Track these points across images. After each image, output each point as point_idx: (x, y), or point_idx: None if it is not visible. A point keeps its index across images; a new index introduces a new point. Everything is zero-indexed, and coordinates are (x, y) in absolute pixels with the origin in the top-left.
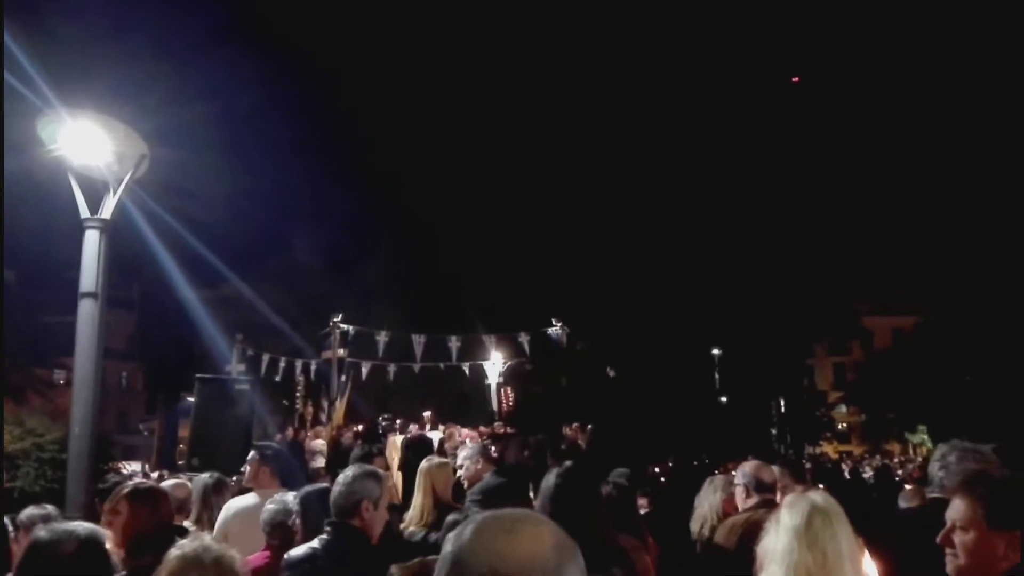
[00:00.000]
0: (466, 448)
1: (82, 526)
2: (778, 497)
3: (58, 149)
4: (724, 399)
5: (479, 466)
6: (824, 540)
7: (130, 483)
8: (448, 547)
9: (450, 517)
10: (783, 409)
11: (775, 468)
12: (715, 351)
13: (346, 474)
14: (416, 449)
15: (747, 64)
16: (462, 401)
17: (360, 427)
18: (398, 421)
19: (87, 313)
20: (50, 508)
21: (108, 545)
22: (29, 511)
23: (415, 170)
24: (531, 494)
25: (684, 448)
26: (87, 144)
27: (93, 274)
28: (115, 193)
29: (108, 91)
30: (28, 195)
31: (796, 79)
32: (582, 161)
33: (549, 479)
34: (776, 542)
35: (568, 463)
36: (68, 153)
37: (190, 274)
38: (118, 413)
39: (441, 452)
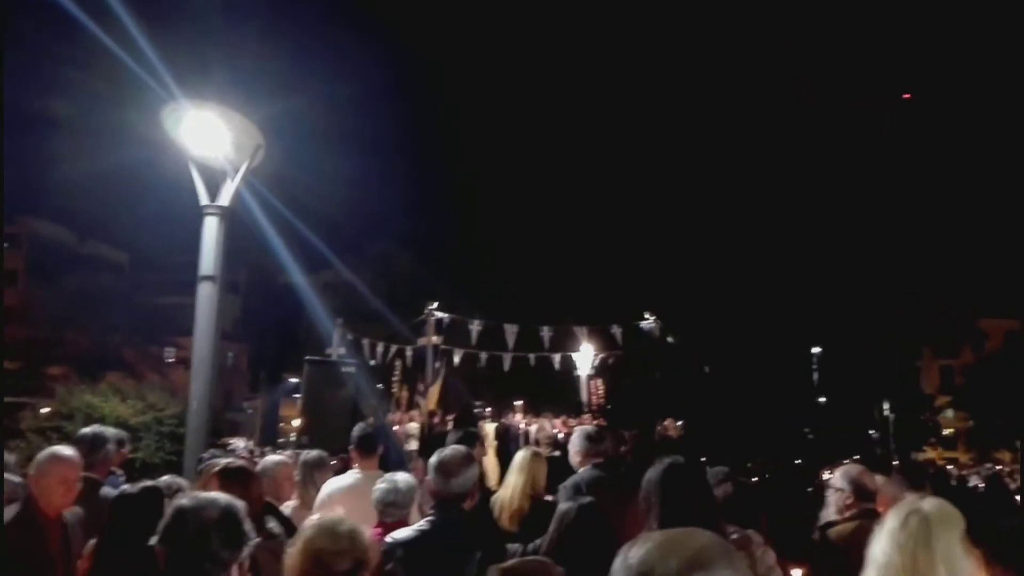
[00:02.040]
0: (572, 436)
1: (222, 496)
2: (881, 506)
3: (180, 139)
4: (822, 400)
5: (581, 457)
6: (916, 544)
7: (221, 461)
8: (617, 563)
9: (562, 507)
10: (885, 412)
11: (879, 477)
12: (815, 350)
13: (456, 458)
14: (506, 438)
15: (857, 77)
16: (551, 392)
17: (454, 414)
18: (488, 409)
19: (206, 295)
20: (181, 480)
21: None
22: (166, 479)
23: (514, 161)
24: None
25: (779, 449)
26: (207, 134)
27: (212, 258)
28: (233, 181)
29: (226, 82)
30: (142, 183)
31: (908, 95)
32: (680, 151)
33: (655, 472)
34: (875, 545)
35: (674, 457)
36: (189, 143)
37: (293, 260)
38: (224, 391)
39: (533, 441)
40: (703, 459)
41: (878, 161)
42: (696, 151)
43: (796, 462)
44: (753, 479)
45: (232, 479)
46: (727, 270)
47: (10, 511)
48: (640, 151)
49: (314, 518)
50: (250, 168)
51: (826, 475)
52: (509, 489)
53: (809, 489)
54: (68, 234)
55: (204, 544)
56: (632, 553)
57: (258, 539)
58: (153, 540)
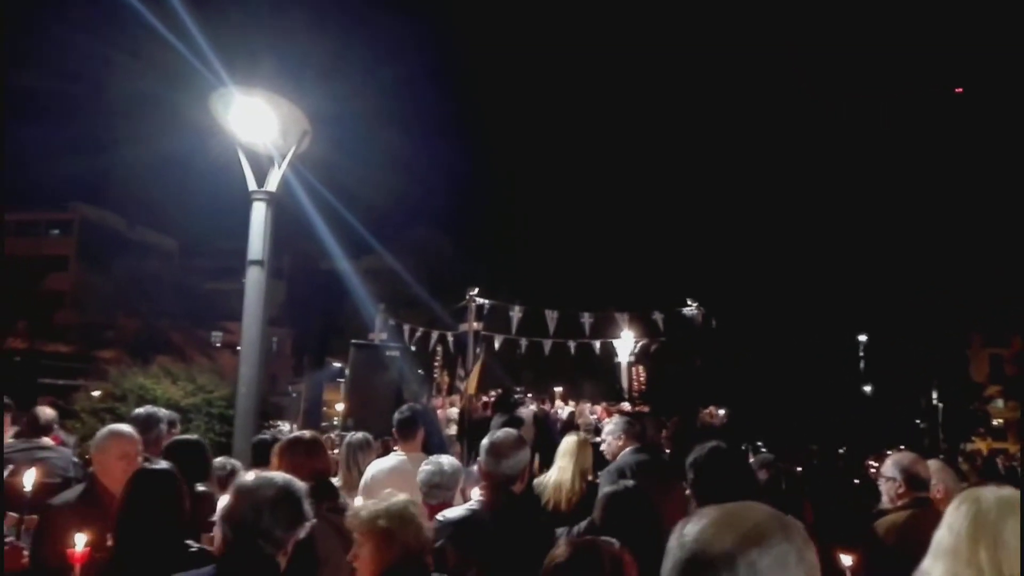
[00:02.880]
0: (610, 423)
1: (280, 475)
2: (935, 494)
3: (228, 125)
4: (868, 388)
5: (621, 442)
6: (978, 531)
7: (293, 433)
8: (671, 541)
9: (606, 490)
10: (934, 401)
11: (931, 463)
12: (861, 337)
13: (508, 441)
14: (544, 424)
15: (908, 72)
16: (591, 378)
17: (492, 395)
18: (528, 395)
19: (254, 280)
20: (235, 461)
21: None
22: (221, 460)
23: (556, 147)
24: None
25: (823, 438)
26: (255, 120)
27: (260, 243)
28: (280, 167)
29: (273, 69)
30: (191, 170)
31: (960, 90)
32: (723, 134)
33: (697, 456)
34: (938, 534)
35: (715, 441)
36: (237, 129)
37: (336, 245)
38: (269, 375)
39: (573, 427)
40: (746, 447)
41: (929, 145)
42: (739, 133)
43: (841, 451)
44: (797, 467)
45: (296, 451)
46: (771, 256)
47: (75, 491)
48: (682, 135)
49: (381, 498)
50: (296, 154)
51: (872, 464)
52: (558, 473)
53: (855, 479)
54: (118, 220)
55: (258, 523)
56: (688, 530)
57: (314, 520)
58: (215, 517)
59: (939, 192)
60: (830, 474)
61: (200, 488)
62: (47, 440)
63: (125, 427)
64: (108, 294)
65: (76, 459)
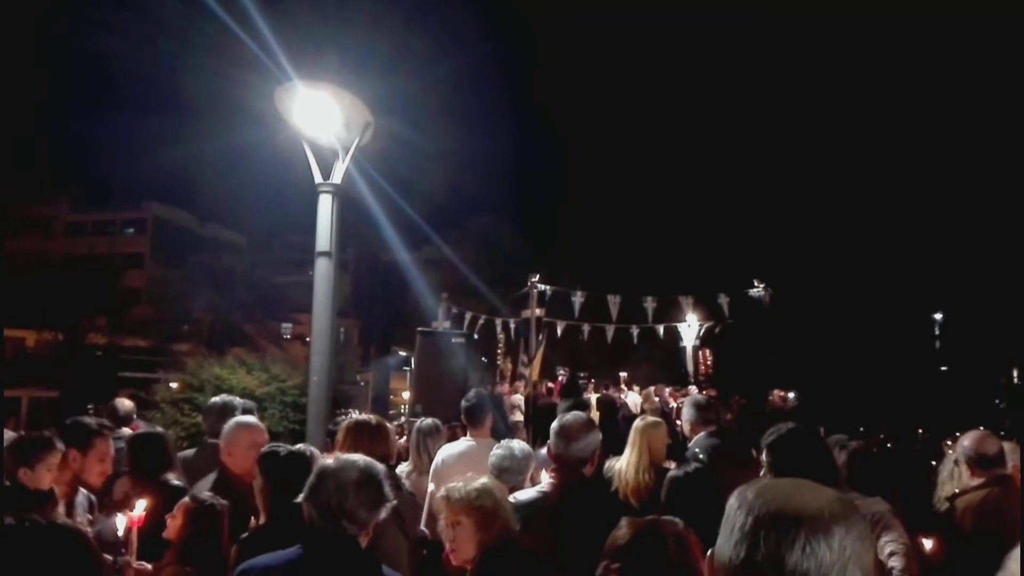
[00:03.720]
0: (684, 407)
1: (361, 458)
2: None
3: (292, 119)
4: (945, 368)
5: (695, 426)
6: None
7: (353, 417)
8: (732, 500)
9: (671, 474)
10: (1014, 380)
11: (1006, 444)
12: (937, 316)
13: (578, 423)
14: (608, 409)
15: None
16: (655, 363)
17: (556, 383)
18: (592, 380)
19: (323, 271)
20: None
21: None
22: (300, 448)
23: (616, 130)
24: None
25: (898, 420)
26: (319, 114)
27: (327, 235)
28: (344, 159)
29: (336, 62)
30: (256, 165)
31: None
32: (788, 109)
33: (770, 438)
34: None
35: (792, 424)
36: (301, 123)
37: (399, 237)
38: (338, 365)
39: (639, 412)
40: (820, 430)
41: (1002, 116)
42: (805, 105)
43: (918, 432)
44: (873, 450)
45: (359, 432)
46: (841, 232)
47: (207, 481)
48: (745, 109)
49: (466, 479)
50: (360, 146)
51: (949, 446)
52: (628, 459)
53: (932, 461)
54: (189, 217)
55: (342, 504)
56: (761, 492)
57: (395, 501)
58: (300, 498)
59: (1015, 163)
60: (907, 456)
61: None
62: (127, 431)
63: (250, 418)
64: (182, 289)
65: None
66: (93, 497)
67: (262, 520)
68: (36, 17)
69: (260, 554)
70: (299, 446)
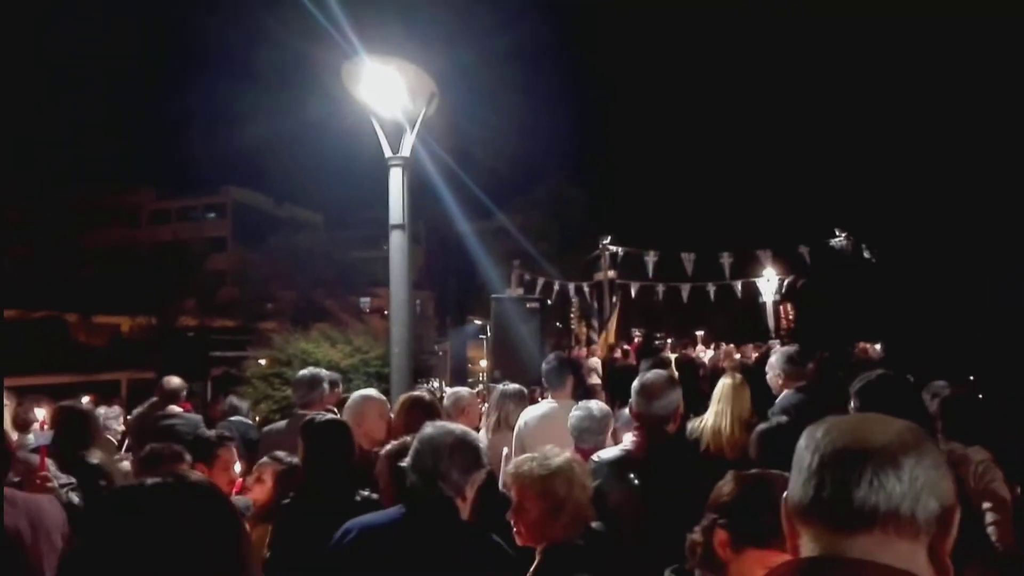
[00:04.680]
0: (772, 361)
1: (458, 426)
2: None
3: (360, 94)
4: None
5: (782, 381)
6: None
7: (412, 393)
8: (801, 442)
9: (759, 428)
10: None
11: None
12: None
13: (659, 382)
14: (687, 369)
15: None
16: (734, 320)
17: (632, 345)
18: (668, 341)
19: (397, 243)
20: None
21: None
22: None
23: (685, 77)
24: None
25: (992, 367)
26: (386, 87)
27: (399, 207)
28: (412, 131)
29: (401, 35)
30: (326, 142)
31: None
32: (866, 49)
33: (862, 384)
34: None
35: (872, 371)
36: (369, 97)
37: (468, 207)
38: (416, 336)
39: (718, 371)
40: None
41: None
42: (878, 47)
43: (1015, 380)
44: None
45: (414, 408)
46: (924, 175)
47: None
48: (816, 54)
49: (544, 455)
50: (426, 117)
51: None
52: (715, 418)
53: None
54: (265, 200)
55: (437, 466)
56: (829, 429)
57: (489, 467)
58: (405, 462)
59: None
60: (1003, 403)
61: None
62: (174, 408)
63: (374, 391)
64: (264, 269)
65: (250, 421)
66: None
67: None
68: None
69: (301, 517)
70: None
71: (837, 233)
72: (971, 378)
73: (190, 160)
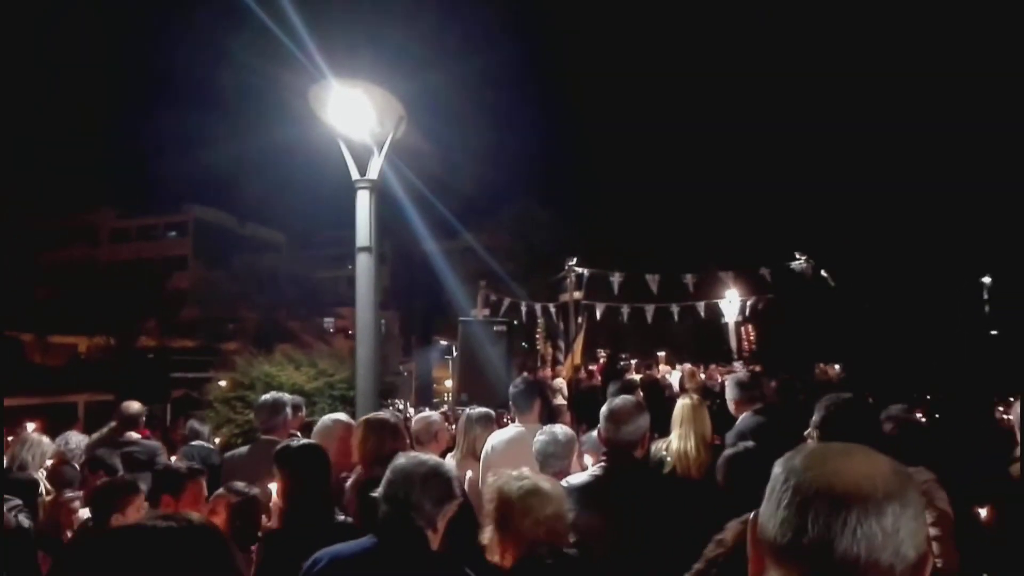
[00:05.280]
0: (729, 385)
1: (431, 457)
2: None
3: (327, 117)
4: (994, 333)
5: (740, 404)
6: None
7: (377, 414)
8: (777, 469)
9: (726, 453)
10: None
11: None
12: (985, 280)
13: (627, 407)
14: (652, 390)
15: None
16: (698, 341)
17: (598, 366)
18: (633, 361)
19: (364, 266)
20: None
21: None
22: None
23: (650, 102)
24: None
25: (948, 388)
26: (354, 110)
27: (367, 230)
28: (380, 155)
29: (369, 59)
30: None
31: None
32: (826, 77)
33: (824, 410)
34: None
35: (839, 394)
36: (336, 120)
37: (434, 227)
38: (381, 356)
39: (682, 391)
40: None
41: None
42: (845, 73)
43: (969, 400)
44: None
45: (374, 428)
46: (883, 199)
47: None
48: (781, 82)
49: (516, 477)
50: (394, 140)
51: (1001, 411)
52: (679, 441)
53: (985, 427)
54: (228, 218)
55: (409, 497)
56: (810, 462)
57: (462, 498)
58: (377, 492)
59: None
60: (958, 425)
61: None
62: (132, 434)
63: (342, 415)
64: (227, 289)
65: (212, 445)
66: None
67: (270, 522)
68: (78, 27)
69: (284, 547)
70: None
71: (797, 256)
72: (927, 398)
73: (153, 179)
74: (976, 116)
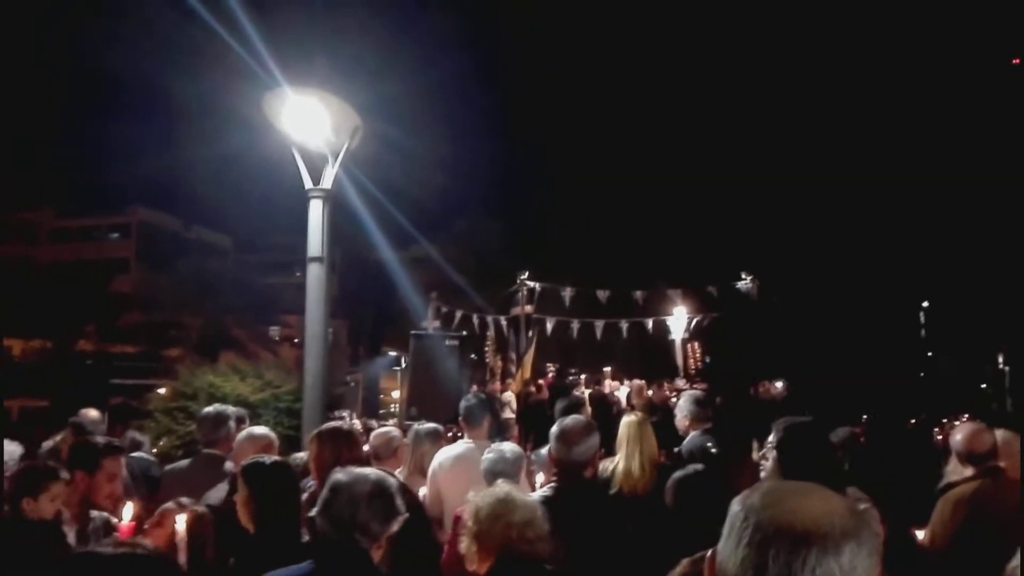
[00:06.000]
0: (680, 402)
1: (374, 471)
2: (1004, 462)
3: (282, 125)
4: (931, 355)
5: (688, 423)
6: None
7: (330, 424)
8: (736, 507)
9: (675, 475)
10: (1000, 365)
11: (999, 433)
12: (923, 304)
13: (578, 427)
14: (601, 406)
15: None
16: (646, 357)
17: (546, 380)
18: (582, 377)
19: (315, 276)
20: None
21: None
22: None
23: (602, 120)
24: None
25: (888, 408)
26: (309, 119)
27: (319, 240)
28: (334, 165)
29: (325, 68)
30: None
31: (1017, 60)
32: (773, 101)
33: (781, 435)
34: None
35: (796, 417)
36: (291, 128)
37: (387, 236)
38: (328, 366)
39: (630, 408)
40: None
41: (985, 111)
42: (791, 101)
43: (908, 420)
44: (861, 439)
45: (328, 439)
46: (828, 223)
47: (221, 491)
48: (731, 102)
49: (488, 493)
50: (349, 150)
51: (938, 433)
52: (625, 460)
53: (922, 448)
54: (174, 221)
55: (355, 517)
56: (768, 501)
57: (407, 514)
58: (313, 512)
59: (999, 151)
60: (897, 445)
61: None
62: None
63: (261, 429)
64: (170, 294)
65: (152, 457)
66: (113, 519)
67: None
68: (21, 22)
69: (254, 567)
70: (297, 455)
71: (743, 276)
72: (863, 419)
73: (99, 181)
74: (917, 150)
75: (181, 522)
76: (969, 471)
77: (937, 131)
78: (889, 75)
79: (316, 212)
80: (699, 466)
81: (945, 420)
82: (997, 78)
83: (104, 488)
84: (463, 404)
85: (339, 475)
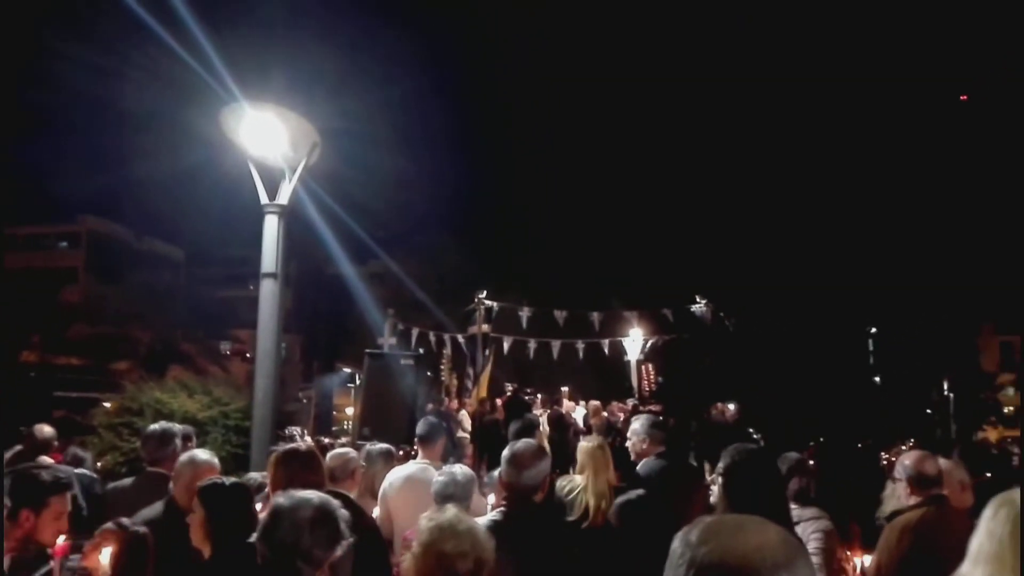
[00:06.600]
0: (635, 424)
1: (316, 495)
2: (947, 490)
3: (239, 139)
4: (878, 379)
5: (646, 445)
6: (1010, 535)
7: (283, 446)
8: (675, 543)
9: (620, 499)
10: (945, 391)
11: (943, 461)
12: (871, 329)
13: (529, 451)
14: (558, 426)
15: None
16: (601, 377)
17: (502, 399)
18: (538, 396)
19: (268, 292)
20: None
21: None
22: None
23: (562, 146)
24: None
25: (835, 432)
26: (266, 134)
27: (273, 256)
28: (291, 180)
29: (283, 84)
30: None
31: (964, 97)
32: (730, 127)
33: (728, 462)
34: (976, 540)
35: (745, 444)
36: (248, 143)
37: (343, 251)
38: (280, 381)
39: (587, 428)
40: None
41: (933, 140)
42: (745, 130)
43: (855, 445)
44: (810, 462)
45: (292, 463)
46: (779, 249)
47: (156, 509)
48: (688, 130)
49: (432, 517)
50: (307, 166)
51: (885, 457)
52: (585, 483)
53: (869, 472)
54: (125, 231)
55: (298, 543)
56: (705, 537)
57: (352, 539)
58: (253, 537)
59: (945, 184)
60: (844, 469)
61: None
62: (45, 459)
63: (203, 454)
64: (119, 306)
65: (94, 474)
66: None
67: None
68: None
69: None
70: (252, 475)
71: (698, 299)
72: (811, 444)
73: (48, 191)
74: (866, 178)
75: (106, 555)
76: (914, 499)
77: (882, 157)
78: (836, 107)
79: (271, 228)
80: (641, 491)
81: (895, 445)
82: (945, 111)
83: (50, 528)
84: (420, 424)
85: (280, 499)
